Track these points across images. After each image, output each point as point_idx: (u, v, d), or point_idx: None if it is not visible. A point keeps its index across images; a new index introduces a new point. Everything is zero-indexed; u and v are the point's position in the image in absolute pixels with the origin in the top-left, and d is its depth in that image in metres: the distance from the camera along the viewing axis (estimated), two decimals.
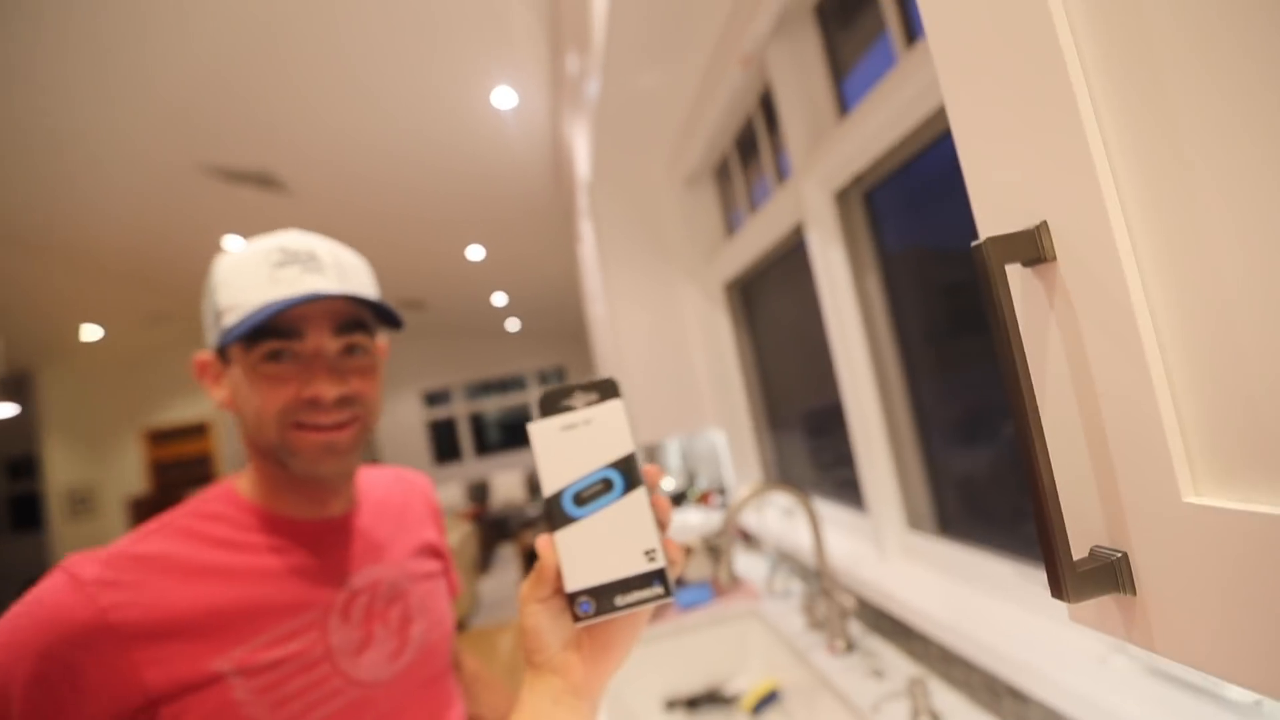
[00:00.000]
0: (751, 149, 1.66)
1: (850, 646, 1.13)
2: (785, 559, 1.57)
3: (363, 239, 3.04)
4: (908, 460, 1.14)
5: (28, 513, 6.76)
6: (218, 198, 3.36)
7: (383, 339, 0.72)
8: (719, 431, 2.04)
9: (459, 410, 8.34)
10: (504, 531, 6.75)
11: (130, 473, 6.70)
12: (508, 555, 6.69)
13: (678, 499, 2.22)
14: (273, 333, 0.58)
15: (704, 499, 2.04)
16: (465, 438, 8.31)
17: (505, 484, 7.53)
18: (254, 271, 0.59)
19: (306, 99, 2.40)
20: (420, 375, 8.18)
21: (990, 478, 1.00)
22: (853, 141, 1.03)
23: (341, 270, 0.62)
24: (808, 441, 1.76)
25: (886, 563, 1.14)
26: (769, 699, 1.33)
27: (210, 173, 2.98)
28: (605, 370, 2.50)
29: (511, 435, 8.58)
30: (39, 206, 3.42)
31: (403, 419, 8.11)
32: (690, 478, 2.21)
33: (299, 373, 0.59)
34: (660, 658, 1.46)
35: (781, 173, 1.48)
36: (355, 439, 0.62)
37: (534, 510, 5.38)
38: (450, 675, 0.76)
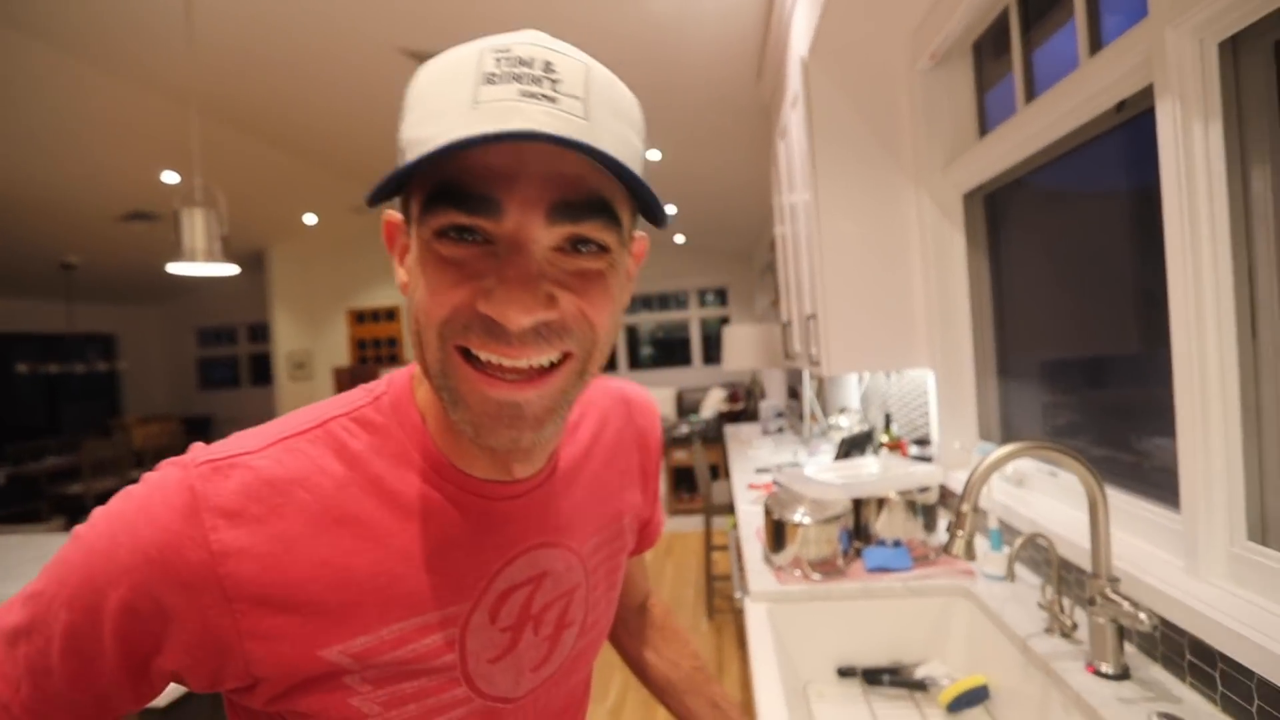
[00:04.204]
0: (1046, 6, 1.24)
1: (1124, 672, 0.86)
2: (1010, 535, 1.28)
3: None
4: (1269, 446, 0.79)
5: (262, 369, 8.09)
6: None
7: (641, 236, 0.47)
8: (928, 372, 1.72)
9: None
10: None
11: (337, 345, 7.68)
12: None
13: (858, 443, 1.96)
14: (452, 196, 0.35)
15: (897, 446, 1.76)
16: (620, 351, 8.45)
17: (656, 399, 7.61)
18: (453, 87, 0.35)
19: None
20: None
21: None
22: None
23: (590, 103, 0.36)
24: (1050, 398, 1.41)
25: (1201, 578, 0.83)
26: (973, 696, 1.10)
27: (409, 58, 3.01)
28: (799, 294, 2.22)
29: (665, 353, 8.59)
30: (269, 98, 3.73)
31: None
32: (885, 419, 1.92)
33: (485, 270, 0.37)
34: (839, 619, 1.27)
35: (1100, 37, 1.07)
36: (556, 396, 0.40)
37: (684, 429, 5.35)
38: (589, 676, 0.61)
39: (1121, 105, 0.99)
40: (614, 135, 0.37)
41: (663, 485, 5.71)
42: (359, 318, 7.71)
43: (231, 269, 2.04)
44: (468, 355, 0.38)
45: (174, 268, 1.94)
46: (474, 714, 0.47)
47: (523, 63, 0.35)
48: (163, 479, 0.39)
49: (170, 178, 4.62)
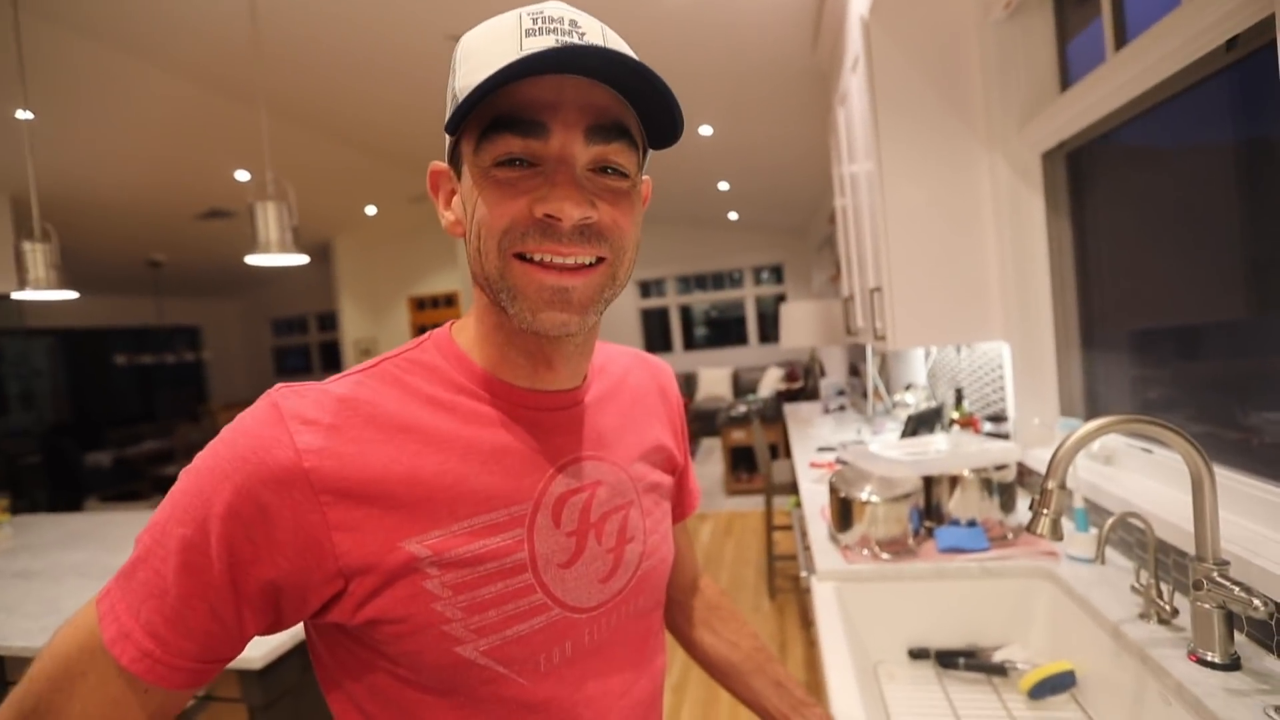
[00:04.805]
0: None
1: (1234, 661, 0.79)
2: (1097, 515, 1.20)
3: None
4: None
5: (332, 357, 8.46)
6: None
7: (647, 179, 0.54)
8: (1003, 345, 1.63)
9: (670, 302, 8.43)
10: (709, 425, 6.86)
11: (399, 332, 7.93)
12: (711, 447, 6.82)
13: (926, 420, 1.88)
14: (507, 124, 0.43)
15: (969, 423, 1.69)
16: (675, 331, 8.43)
17: (711, 379, 7.57)
18: (499, 41, 0.43)
19: None
20: (637, 262, 8.31)
21: None
22: None
23: (609, 46, 0.44)
24: (1141, 371, 1.31)
25: None
26: (1058, 682, 1.05)
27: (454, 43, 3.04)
28: (861, 267, 2.15)
29: (720, 332, 8.51)
30: (330, 94, 3.84)
31: (618, 305, 8.43)
32: (956, 395, 1.84)
33: (537, 185, 0.44)
34: (910, 599, 1.23)
35: None
36: (595, 289, 0.47)
37: (741, 408, 5.30)
38: (661, 612, 0.63)
39: (1233, 42, 0.90)
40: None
41: (720, 465, 5.69)
42: (419, 304, 7.94)
43: (302, 259, 2.13)
44: (523, 259, 0.45)
45: (252, 259, 2.05)
46: (552, 624, 0.49)
47: (554, 19, 0.44)
48: (252, 407, 0.46)
49: (242, 175, 4.84)
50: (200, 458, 0.44)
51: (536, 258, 0.45)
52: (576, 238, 0.44)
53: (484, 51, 0.44)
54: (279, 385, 0.47)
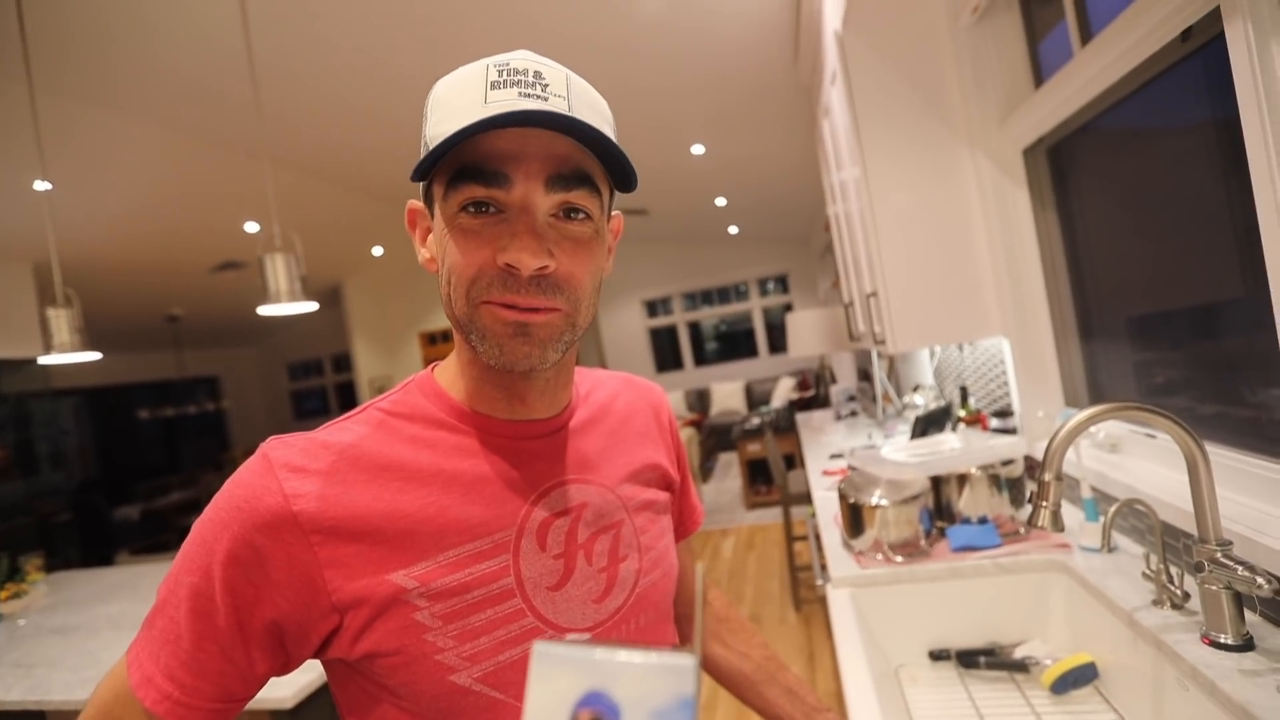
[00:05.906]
0: None
1: (1247, 642, 0.79)
2: (1105, 501, 1.20)
3: None
4: None
5: (348, 397, 8.56)
6: None
7: (617, 215, 0.56)
8: (1003, 340, 1.64)
9: (677, 319, 8.47)
10: (725, 440, 6.84)
11: (413, 368, 8.02)
12: (728, 462, 6.80)
13: (935, 420, 1.89)
14: (472, 174, 0.45)
15: (976, 420, 1.69)
16: (684, 348, 8.45)
17: (724, 394, 7.57)
18: (466, 93, 0.45)
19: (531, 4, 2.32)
20: (642, 283, 8.40)
21: None
22: None
23: (571, 100, 0.46)
24: (1143, 356, 1.32)
25: None
26: (1079, 675, 1.05)
27: None
28: (857, 272, 2.17)
29: (729, 346, 8.52)
30: (329, 142, 3.95)
31: (626, 326, 8.48)
32: (961, 394, 1.85)
33: (499, 234, 0.46)
34: (927, 601, 1.24)
35: None
36: (555, 330, 0.49)
37: (755, 421, 5.29)
38: (671, 627, 0.63)
39: (1188, 33, 0.92)
40: (591, 122, 0.46)
41: (738, 480, 5.67)
42: (430, 339, 8.04)
43: (312, 306, 2.19)
44: (490, 301, 0.47)
45: (264, 310, 2.12)
46: None
47: (518, 73, 0.45)
48: (248, 460, 0.49)
49: (252, 227, 4.97)
50: (205, 511, 0.47)
51: (500, 300, 0.47)
52: (533, 288, 0.46)
53: (451, 103, 0.46)
54: (270, 438, 0.50)
